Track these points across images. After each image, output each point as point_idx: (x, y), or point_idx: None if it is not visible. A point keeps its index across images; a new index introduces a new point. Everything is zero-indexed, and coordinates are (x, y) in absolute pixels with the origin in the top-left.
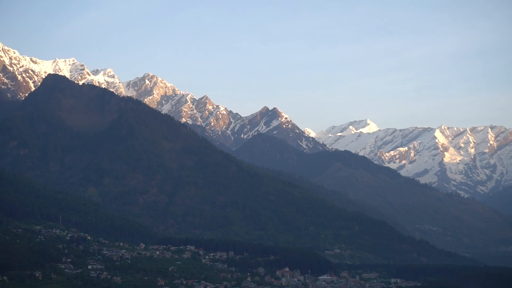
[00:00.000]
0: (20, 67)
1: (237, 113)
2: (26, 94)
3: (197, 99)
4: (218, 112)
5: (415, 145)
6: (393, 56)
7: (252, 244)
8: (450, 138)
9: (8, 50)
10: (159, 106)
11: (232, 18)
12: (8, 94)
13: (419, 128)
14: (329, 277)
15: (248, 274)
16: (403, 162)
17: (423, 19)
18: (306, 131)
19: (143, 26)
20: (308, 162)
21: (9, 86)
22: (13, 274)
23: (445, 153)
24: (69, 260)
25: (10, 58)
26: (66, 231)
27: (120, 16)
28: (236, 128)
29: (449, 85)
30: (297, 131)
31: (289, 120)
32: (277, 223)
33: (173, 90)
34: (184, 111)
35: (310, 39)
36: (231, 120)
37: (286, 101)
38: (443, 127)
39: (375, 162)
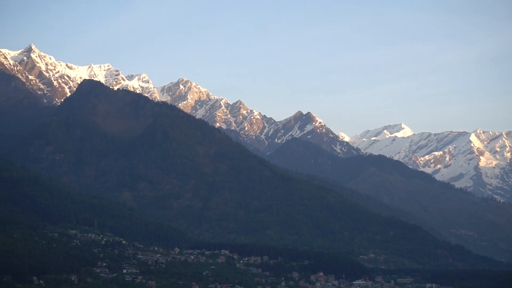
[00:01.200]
0: (56, 73)
1: (271, 118)
2: (62, 100)
3: (231, 104)
4: (252, 117)
5: (450, 149)
6: (426, 60)
7: (287, 248)
8: (485, 142)
9: (44, 56)
10: (193, 111)
11: (264, 22)
12: (44, 100)
13: (454, 132)
14: (363, 282)
15: (283, 278)
16: (438, 166)
17: (456, 23)
18: (340, 135)
19: (177, 31)
20: (342, 167)
21: (45, 91)
22: (49, 278)
23: (481, 157)
24: (104, 264)
25: (46, 64)
26: (101, 236)
27: (154, 21)
28: (270, 132)
29: (484, 88)
30: (331, 136)
31: (323, 124)
32: (312, 227)
33: (207, 95)
34: (218, 116)
35: (343, 43)
36: (265, 124)
37: (320, 105)
38: (478, 131)
39: (409, 167)
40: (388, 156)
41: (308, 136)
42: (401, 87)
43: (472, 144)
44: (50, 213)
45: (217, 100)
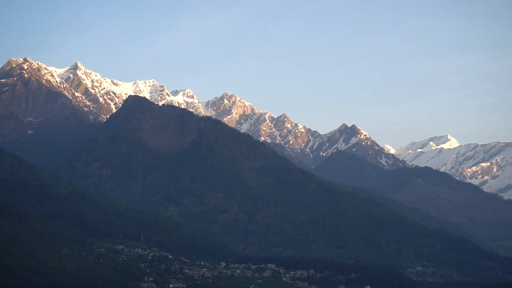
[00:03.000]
0: (101, 89)
1: (315, 131)
2: (108, 116)
3: (275, 117)
4: (296, 130)
5: (498, 160)
6: (473, 70)
7: (333, 262)
8: None
9: (90, 73)
10: (238, 125)
11: (309, 35)
12: (90, 116)
13: (502, 143)
14: None
15: None
16: (486, 177)
17: (504, 33)
18: (385, 147)
19: (222, 46)
20: (388, 179)
21: (91, 108)
22: None
23: None
24: (151, 279)
25: (92, 81)
26: (148, 250)
27: (198, 37)
28: (315, 146)
29: None
30: (377, 148)
31: (368, 137)
32: (358, 240)
33: (252, 109)
34: (263, 129)
35: (389, 55)
36: (310, 138)
37: (365, 117)
38: None
39: (456, 178)
40: (434, 168)
41: (353, 149)
42: (447, 98)
43: None
44: (97, 228)
45: (261, 114)
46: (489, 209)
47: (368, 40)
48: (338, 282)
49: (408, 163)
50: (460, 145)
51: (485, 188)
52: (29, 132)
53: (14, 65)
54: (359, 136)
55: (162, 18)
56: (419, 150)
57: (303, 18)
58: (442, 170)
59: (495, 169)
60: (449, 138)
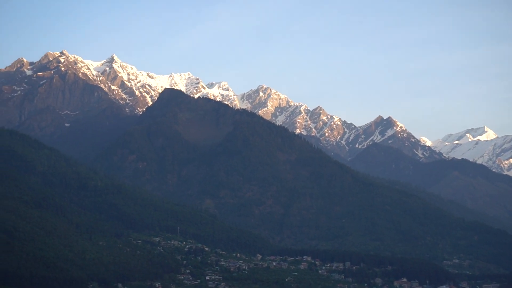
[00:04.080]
0: (137, 82)
1: (351, 123)
2: (144, 109)
3: (311, 110)
4: (332, 123)
5: None
6: (509, 61)
7: (369, 254)
8: None
9: (126, 66)
10: (273, 118)
11: (344, 27)
12: (127, 109)
13: None
14: None
15: (365, 284)
16: None
17: None
18: (421, 139)
19: (257, 39)
20: (424, 171)
21: (127, 101)
22: (134, 285)
23: None
24: (187, 271)
25: (128, 74)
26: (184, 243)
27: (233, 30)
28: (351, 138)
29: None
30: (413, 140)
31: (404, 129)
32: (394, 233)
33: (287, 101)
34: (298, 122)
35: (424, 46)
36: (346, 130)
37: (401, 109)
38: None
39: (493, 170)
40: (471, 160)
41: (389, 141)
42: (484, 90)
43: None
44: (134, 220)
45: (297, 106)
46: None
47: (402, 32)
48: (374, 274)
49: (444, 155)
50: (497, 137)
51: None
52: (66, 125)
53: (51, 59)
54: (395, 128)
55: (197, 10)
56: (456, 142)
57: (338, 9)
58: (479, 162)
59: None
60: (486, 130)
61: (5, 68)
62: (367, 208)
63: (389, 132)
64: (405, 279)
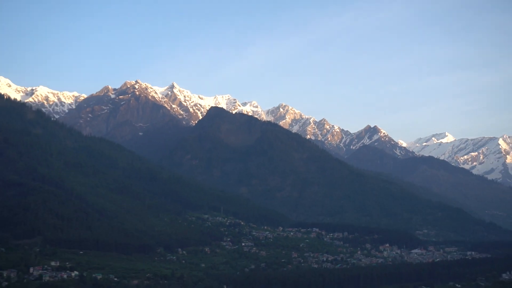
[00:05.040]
0: (191, 102)
1: (347, 130)
2: (196, 122)
3: (318, 121)
4: (333, 130)
5: (483, 150)
6: (465, 84)
7: (361, 226)
8: (510, 145)
9: (183, 91)
10: (290, 127)
11: (341, 60)
12: (183, 122)
13: (486, 137)
14: (419, 251)
15: (358, 248)
16: (474, 163)
17: (487, 53)
18: (399, 142)
19: (277, 69)
20: (401, 166)
21: (184, 116)
22: (190, 249)
23: (507, 156)
24: (228, 239)
25: (184, 96)
26: (226, 218)
27: (260, 63)
28: (347, 141)
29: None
30: (392, 143)
31: (386, 134)
32: (379, 211)
33: (300, 115)
34: (309, 130)
35: (401, 74)
36: (343, 135)
37: (384, 120)
38: (505, 136)
39: (452, 164)
40: (436, 156)
41: (375, 143)
42: (446, 105)
43: (500, 146)
44: (189, 202)
45: (307, 118)
46: (477, 187)
47: (384, 64)
48: (365, 241)
49: (416, 153)
50: (455, 140)
51: (474, 172)
52: (140, 134)
53: (128, 86)
54: (379, 134)
55: (234, 48)
56: (424, 143)
57: (337, 48)
58: (441, 158)
59: (481, 157)
60: (446, 134)
61: (96, 93)
62: (359, 192)
63: (375, 137)
64: (387, 245)
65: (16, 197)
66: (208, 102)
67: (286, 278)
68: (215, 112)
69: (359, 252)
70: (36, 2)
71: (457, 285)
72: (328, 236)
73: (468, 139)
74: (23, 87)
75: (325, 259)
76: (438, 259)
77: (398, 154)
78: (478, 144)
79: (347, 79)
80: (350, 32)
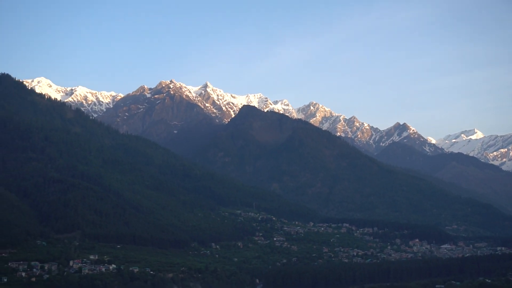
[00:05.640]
0: (224, 101)
1: (377, 128)
2: (228, 120)
3: (347, 118)
4: (363, 128)
5: None
6: (494, 80)
7: (391, 222)
8: None
9: (216, 90)
10: (321, 125)
11: (373, 58)
12: (217, 120)
13: None
14: (449, 246)
15: (388, 243)
16: (504, 160)
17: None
18: (428, 139)
19: (308, 68)
20: (430, 162)
21: (217, 114)
22: (223, 244)
23: None
24: (260, 234)
25: (217, 95)
26: (258, 214)
27: (290, 62)
28: (376, 138)
29: None
30: (422, 139)
31: (415, 131)
32: (409, 206)
33: (330, 113)
34: (339, 127)
35: (430, 71)
36: (373, 133)
37: (413, 117)
38: None
39: (482, 161)
40: (465, 153)
41: (405, 140)
42: (475, 101)
43: None
44: (223, 198)
45: (337, 116)
46: (506, 182)
47: (413, 61)
48: (395, 236)
49: (445, 150)
50: (485, 136)
51: (503, 168)
52: (175, 132)
53: (163, 85)
54: (408, 131)
55: (265, 48)
56: (454, 140)
57: (366, 45)
58: (471, 155)
59: (511, 154)
60: (476, 131)
61: (132, 92)
62: (389, 188)
63: (405, 134)
64: (417, 240)
65: (56, 193)
66: (240, 101)
67: (317, 273)
68: (247, 111)
69: (389, 247)
70: (75, 7)
71: (487, 280)
72: (358, 232)
73: (497, 136)
74: (63, 87)
75: (355, 254)
76: (467, 255)
77: (428, 150)
78: (507, 140)
79: (377, 77)
80: (379, 29)
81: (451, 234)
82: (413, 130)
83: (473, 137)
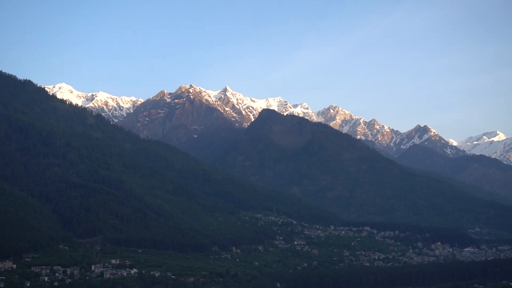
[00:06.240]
0: (243, 105)
1: (397, 130)
2: (248, 124)
3: (367, 121)
4: (383, 130)
5: None
6: None
7: (412, 225)
8: None
9: (235, 94)
10: (340, 128)
11: (392, 59)
12: (236, 124)
13: None
14: (472, 249)
15: (410, 247)
16: None
17: None
18: (449, 141)
19: (327, 72)
20: (452, 164)
21: (237, 118)
22: (244, 248)
23: None
24: (281, 238)
25: (237, 99)
26: (278, 218)
27: (310, 66)
28: (397, 141)
29: None
30: (443, 142)
31: (436, 133)
32: (430, 209)
33: (350, 116)
34: (359, 130)
35: (449, 73)
36: (393, 135)
37: (434, 119)
38: None
39: (504, 163)
40: (487, 155)
41: (425, 143)
42: (496, 103)
43: None
44: (243, 202)
45: (357, 119)
46: None
47: (433, 63)
48: (417, 239)
49: (467, 152)
50: (507, 138)
51: None
52: (194, 136)
53: (183, 90)
54: (429, 133)
55: (284, 51)
56: (475, 142)
57: (384, 48)
58: (493, 157)
59: None
60: (498, 133)
61: (152, 97)
62: (410, 191)
63: (425, 136)
64: (439, 243)
65: (78, 198)
66: (259, 105)
67: (338, 276)
68: (267, 114)
69: (410, 250)
70: (96, 14)
71: (510, 283)
72: (379, 235)
73: None
74: (84, 93)
75: (376, 257)
76: (490, 258)
77: (449, 153)
78: None
79: (397, 79)
80: (398, 31)
81: (474, 237)
82: (434, 132)
83: (495, 139)
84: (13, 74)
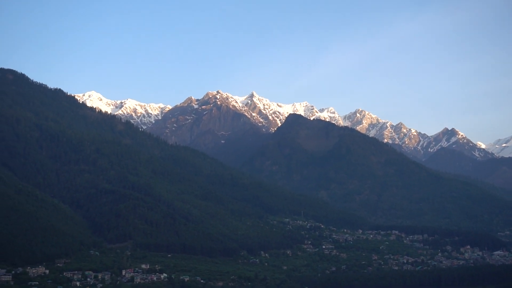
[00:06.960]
0: (270, 110)
1: (424, 134)
2: (275, 128)
3: (394, 125)
4: (410, 134)
5: None
6: None
7: (441, 228)
8: None
9: (262, 99)
10: (367, 132)
11: (420, 62)
12: (263, 129)
13: None
14: (502, 253)
15: (439, 250)
16: None
17: None
18: (477, 144)
19: (353, 76)
20: (480, 167)
21: (264, 123)
22: (272, 252)
23: None
24: (309, 242)
25: (263, 105)
26: (306, 222)
27: (336, 70)
28: (424, 144)
29: None
30: (471, 144)
31: (464, 136)
32: (459, 212)
33: (377, 119)
34: (386, 134)
35: (475, 75)
36: (420, 139)
37: (462, 122)
38: None
39: None
40: None
41: (453, 146)
42: None
43: None
44: (271, 207)
45: (384, 123)
46: None
47: (461, 65)
48: (445, 243)
49: (495, 154)
50: None
51: None
52: (222, 141)
53: (210, 96)
54: (457, 136)
55: (310, 56)
56: (504, 144)
57: (408, 51)
58: None
59: None
60: None
61: (180, 104)
62: (438, 195)
63: (453, 139)
64: (468, 246)
65: (108, 204)
66: (286, 110)
67: (367, 280)
68: (294, 119)
69: (439, 254)
70: (124, 23)
71: None
72: (408, 239)
73: None
74: (113, 101)
75: (405, 261)
76: None
77: (477, 155)
78: None
79: (423, 82)
80: (425, 34)
81: (504, 240)
82: (461, 135)
83: None
84: (44, 83)
